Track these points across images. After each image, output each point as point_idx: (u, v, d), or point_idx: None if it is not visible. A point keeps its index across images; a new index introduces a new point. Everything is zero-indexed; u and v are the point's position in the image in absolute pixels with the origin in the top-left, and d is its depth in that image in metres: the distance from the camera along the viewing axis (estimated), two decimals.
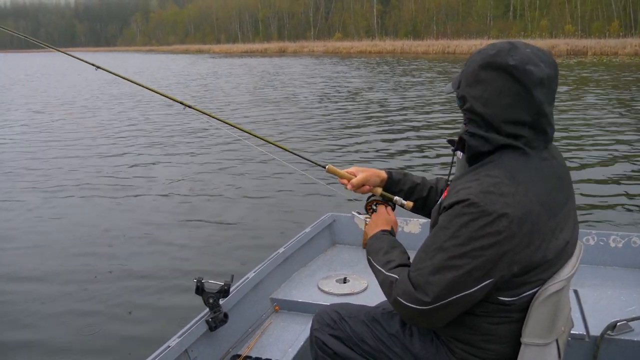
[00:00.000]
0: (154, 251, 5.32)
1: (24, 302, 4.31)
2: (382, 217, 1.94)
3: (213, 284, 2.46)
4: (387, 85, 22.83)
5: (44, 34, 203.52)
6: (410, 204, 2.01)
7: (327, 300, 2.88)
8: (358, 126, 12.45)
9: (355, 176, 2.02)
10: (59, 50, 3.19)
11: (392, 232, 1.89)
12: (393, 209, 2.01)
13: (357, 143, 10.44)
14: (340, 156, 8.84)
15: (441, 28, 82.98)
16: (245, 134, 2.47)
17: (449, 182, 1.73)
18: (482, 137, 1.51)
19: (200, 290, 2.42)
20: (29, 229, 6.01)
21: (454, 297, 1.44)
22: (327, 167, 2.12)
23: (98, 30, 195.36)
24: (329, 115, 14.21)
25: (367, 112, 14.87)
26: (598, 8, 68.25)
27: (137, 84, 2.76)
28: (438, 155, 9.11)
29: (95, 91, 22.76)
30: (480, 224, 1.39)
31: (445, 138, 9.55)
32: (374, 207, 2.01)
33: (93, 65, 2.75)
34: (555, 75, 1.50)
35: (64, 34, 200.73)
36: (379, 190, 2.02)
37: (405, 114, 14.27)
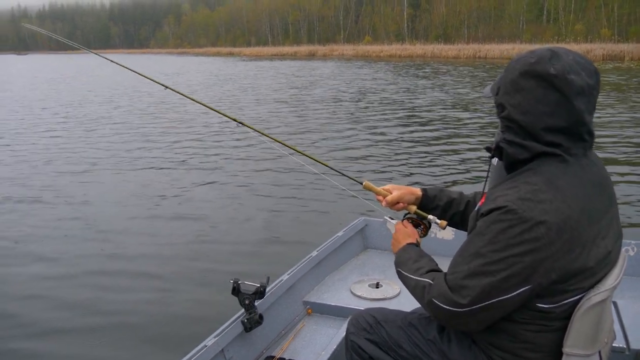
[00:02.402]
0: (191, 251, 5.41)
1: (59, 295, 4.44)
2: (403, 232, 1.95)
3: (249, 285, 2.49)
4: (419, 89, 22.69)
5: (80, 36, 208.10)
6: (444, 222, 2.01)
7: (359, 305, 2.89)
8: (392, 133, 12.41)
9: (391, 193, 2.05)
10: (125, 67, 3.22)
11: (416, 244, 1.90)
12: (428, 227, 2.03)
13: (391, 150, 10.42)
14: (375, 167, 8.74)
15: (472, 32, 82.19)
16: (290, 149, 2.56)
17: (485, 190, 1.72)
18: (520, 145, 1.50)
19: (236, 291, 2.46)
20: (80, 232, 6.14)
21: (490, 301, 1.45)
22: (363, 183, 2.16)
23: (132, 32, 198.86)
24: (361, 121, 14.15)
25: (400, 116, 14.84)
26: (636, 11, 66.72)
27: (205, 105, 2.82)
28: (474, 162, 9.04)
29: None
30: (518, 231, 1.39)
31: (480, 145, 9.46)
32: (409, 225, 2.02)
33: (163, 85, 2.80)
34: (596, 83, 1.48)
35: (98, 36, 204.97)
36: (414, 208, 2.04)
37: (439, 119, 14.20)
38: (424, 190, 2.08)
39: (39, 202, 7.23)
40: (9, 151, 10.88)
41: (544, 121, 1.46)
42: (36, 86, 29.29)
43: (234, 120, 2.64)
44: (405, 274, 1.73)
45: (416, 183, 7.78)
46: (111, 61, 3.38)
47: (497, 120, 1.61)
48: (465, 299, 1.47)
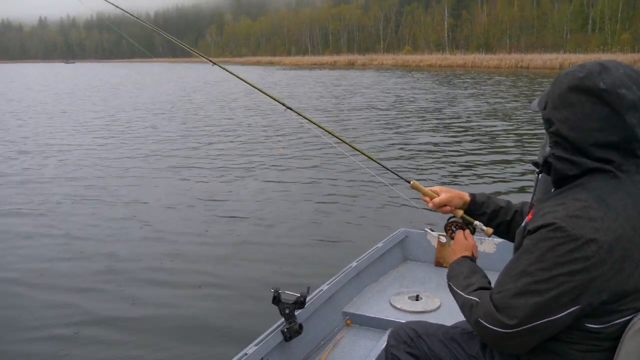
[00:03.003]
0: (233, 257, 5.47)
1: (112, 303, 4.54)
2: (461, 243, 1.92)
3: (289, 294, 2.51)
4: (462, 99, 22.46)
5: (126, 45, 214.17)
6: (490, 230, 1.98)
7: (399, 317, 2.88)
8: (434, 140, 12.38)
9: (439, 195, 2.03)
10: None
11: (472, 258, 1.87)
12: (472, 233, 2.00)
13: (433, 157, 10.36)
14: (423, 170, 8.75)
15: (514, 41, 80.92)
16: (335, 138, 2.54)
17: (533, 204, 1.70)
18: (569, 160, 1.47)
19: (276, 300, 2.48)
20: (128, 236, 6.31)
21: (539, 322, 1.41)
22: (411, 182, 2.13)
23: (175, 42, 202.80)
24: (409, 129, 14.10)
25: (441, 124, 14.74)
26: None
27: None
28: (516, 173, 8.90)
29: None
30: (567, 249, 1.36)
31: (522, 155, 9.28)
32: (453, 229, 2.00)
33: (284, 105, 2.72)
34: None
35: (143, 45, 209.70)
36: (460, 212, 2.01)
37: (480, 128, 14.04)
38: (472, 195, 2.05)
39: (98, 200, 7.60)
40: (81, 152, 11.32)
41: (593, 137, 1.43)
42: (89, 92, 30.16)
43: (283, 104, 2.66)
44: (455, 289, 1.71)
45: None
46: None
47: (543, 133, 1.59)
48: (512, 320, 1.43)
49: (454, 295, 1.72)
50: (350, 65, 75.52)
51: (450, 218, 2.03)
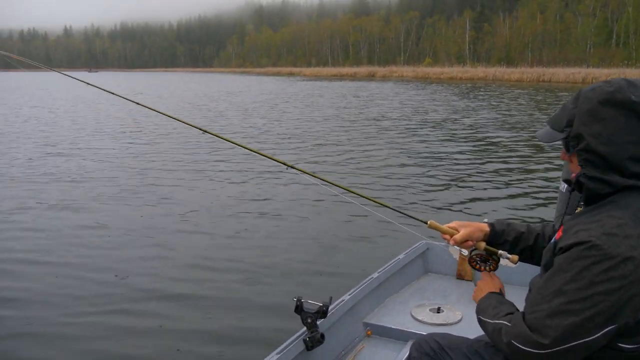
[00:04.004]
0: (256, 269, 5.49)
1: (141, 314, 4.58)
2: (489, 283, 1.89)
3: (312, 304, 2.52)
4: (481, 113, 22.36)
5: (148, 55, 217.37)
6: (515, 257, 1.93)
7: (420, 329, 2.87)
8: (453, 157, 12.29)
9: (458, 231, 1.97)
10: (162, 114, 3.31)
11: (500, 294, 1.84)
12: (497, 262, 1.96)
13: (451, 175, 10.28)
14: (441, 203, 8.24)
15: (537, 55, 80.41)
16: (350, 193, 2.50)
17: (563, 221, 1.68)
18: (602, 180, 1.46)
19: (299, 309, 2.49)
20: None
21: (575, 342, 1.38)
22: (428, 222, 2.06)
23: (197, 52, 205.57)
24: (422, 152, 13.95)
25: (461, 138, 14.70)
26: None
27: (252, 150, 2.87)
28: (538, 189, 8.81)
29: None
30: (603, 268, 1.34)
31: (543, 171, 9.10)
32: (478, 261, 1.97)
33: (200, 129, 2.91)
34: None
35: (165, 55, 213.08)
36: (483, 244, 1.95)
37: (501, 143, 13.98)
38: (491, 225, 1.99)
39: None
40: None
41: (628, 150, 1.42)
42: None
43: (284, 163, 2.65)
44: (484, 319, 1.68)
45: (477, 213, 7.63)
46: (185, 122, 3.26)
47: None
48: (547, 339, 1.40)
49: (484, 327, 1.68)
50: (371, 77, 75.62)
51: (472, 251, 1.98)
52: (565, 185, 1.61)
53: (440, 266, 3.76)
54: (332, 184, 2.57)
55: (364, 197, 2.43)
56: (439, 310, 3.14)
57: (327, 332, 2.63)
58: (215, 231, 6.72)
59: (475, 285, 1.93)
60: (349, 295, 2.97)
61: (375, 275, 3.28)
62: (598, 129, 1.45)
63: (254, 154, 2.80)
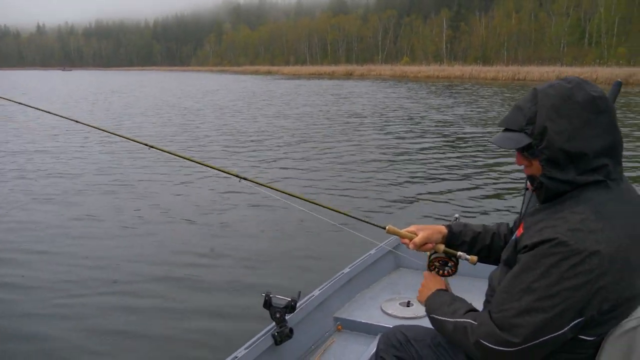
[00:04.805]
0: (223, 264, 5.48)
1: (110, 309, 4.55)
2: (432, 280, 1.91)
3: (280, 299, 2.52)
4: (455, 110, 22.56)
5: (124, 53, 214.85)
6: (474, 258, 1.96)
7: (390, 323, 2.88)
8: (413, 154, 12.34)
9: (416, 235, 1.98)
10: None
11: (446, 290, 1.86)
12: (456, 264, 1.99)
13: (411, 174, 10.34)
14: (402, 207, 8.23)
15: (512, 54, 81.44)
16: (303, 201, 2.46)
17: (523, 218, 1.69)
18: (562, 181, 1.48)
19: (267, 304, 2.49)
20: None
21: (544, 338, 1.40)
22: (387, 227, 2.06)
23: (174, 50, 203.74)
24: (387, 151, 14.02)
25: (428, 137, 14.82)
26: None
27: (200, 163, 2.83)
28: (505, 190, 8.89)
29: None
30: (571, 263, 1.36)
31: (503, 170, 9.14)
32: (437, 265, 1.99)
33: (146, 145, 2.84)
34: None
35: (141, 53, 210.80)
36: (442, 247, 1.98)
37: (465, 140, 14.13)
38: (448, 227, 2.02)
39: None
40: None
41: (590, 144, 1.45)
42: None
43: (236, 176, 2.57)
44: (441, 318, 1.67)
45: (444, 211, 7.69)
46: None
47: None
48: (518, 338, 1.41)
49: (440, 326, 1.68)
50: (349, 76, 75.77)
51: (432, 254, 2.00)
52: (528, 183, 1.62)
53: (411, 261, 3.78)
54: (284, 192, 2.51)
55: (320, 205, 2.40)
56: (408, 304, 3.17)
57: (297, 327, 2.63)
58: (186, 232, 6.70)
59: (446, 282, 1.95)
60: (319, 290, 2.98)
61: (346, 270, 3.29)
62: (563, 125, 1.46)
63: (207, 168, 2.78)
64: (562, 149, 1.47)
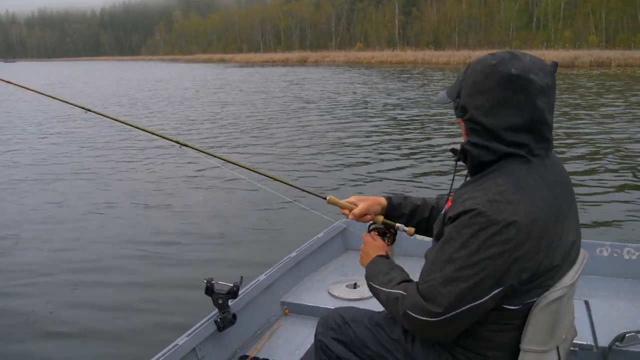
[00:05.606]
0: (166, 253, 5.42)
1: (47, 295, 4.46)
2: (372, 245, 1.92)
3: (223, 285, 2.49)
4: (403, 94, 22.79)
5: (70, 43, 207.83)
6: (412, 230, 1.99)
7: (336, 305, 2.88)
8: (355, 138, 12.46)
9: (356, 206, 2.01)
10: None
11: (386, 256, 1.87)
12: (395, 235, 2.01)
13: (355, 153, 10.44)
14: (344, 179, 8.39)
15: (463, 38, 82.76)
16: (242, 168, 2.41)
17: (452, 192, 1.72)
18: (485, 146, 1.50)
19: (210, 291, 2.45)
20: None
21: (466, 307, 1.42)
22: (327, 198, 2.09)
23: (122, 40, 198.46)
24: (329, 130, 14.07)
25: (370, 123, 14.94)
26: (623, 19, 67.50)
27: (141, 129, 2.76)
28: (442, 164, 9.14)
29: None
30: (489, 233, 1.38)
31: (445, 147, 9.48)
32: (377, 235, 2.00)
33: (83, 108, 2.72)
34: (553, 84, 1.50)
35: (88, 43, 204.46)
36: (381, 218, 2.00)
37: (407, 121, 14.31)
38: (388, 199, 2.04)
39: None
40: None
41: (507, 121, 1.46)
42: None
43: (177, 142, 2.50)
44: (376, 286, 1.70)
45: (380, 184, 7.81)
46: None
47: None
48: (440, 307, 1.43)
49: (376, 294, 1.71)
50: (303, 62, 75.41)
51: (371, 225, 2.02)
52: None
53: (359, 243, 3.77)
54: (228, 161, 2.49)
55: (260, 173, 2.38)
56: (355, 286, 3.18)
57: (242, 312, 2.61)
58: (121, 215, 6.64)
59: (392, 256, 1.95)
60: (265, 275, 2.96)
61: (293, 254, 3.27)
62: (481, 101, 1.49)
63: (150, 134, 2.70)
64: (481, 123, 1.50)
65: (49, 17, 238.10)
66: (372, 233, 2.00)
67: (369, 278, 1.78)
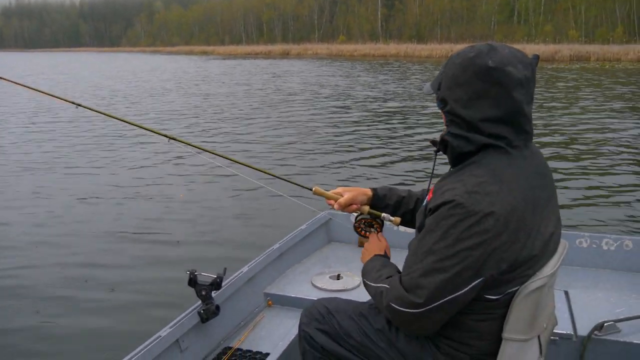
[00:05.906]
0: (150, 245, 5.41)
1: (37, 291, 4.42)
2: (375, 245, 1.96)
3: (206, 276, 2.48)
4: (383, 87, 22.84)
5: (49, 34, 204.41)
6: (397, 219, 2.03)
7: (319, 296, 2.89)
8: (340, 131, 12.47)
9: (342, 196, 2.04)
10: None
11: (385, 256, 1.90)
12: (381, 226, 2.04)
13: (341, 147, 10.47)
14: (330, 171, 8.49)
15: (445, 32, 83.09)
16: (229, 161, 2.43)
17: (432, 184, 1.73)
18: (464, 137, 1.52)
19: (193, 282, 2.45)
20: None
21: (446, 298, 1.44)
22: (313, 188, 2.14)
23: (102, 31, 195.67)
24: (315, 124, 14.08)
25: (352, 113, 14.96)
26: (602, 14, 68.36)
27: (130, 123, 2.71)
28: (425, 157, 9.23)
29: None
30: (467, 224, 1.40)
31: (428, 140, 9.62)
32: (362, 226, 2.05)
33: (73, 103, 2.64)
34: (532, 75, 1.51)
35: (68, 34, 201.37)
36: (367, 208, 2.04)
37: (390, 115, 14.38)
38: (374, 190, 2.08)
39: None
40: None
41: (484, 113, 1.48)
42: None
43: (165, 136, 2.46)
44: (368, 282, 1.73)
45: (364, 178, 7.85)
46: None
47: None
48: (421, 298, 1.45)
49: (367, 290, 1.74)
50: (285, 55, 75.12)
51: (357, 216, 2.05)
52: None
53: (342, 235, 3.81)
54: (213, 152, 2.49)
55: (249, 166, 2.40)
56: (338, 277, 3.19)
57: (224, 304, 2.60)
58: (102, 208, 6.62)
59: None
60: (248, 266, 2.95)
61: (277, 246, 3.27)
62: (459, 94, 1.51)
63: (138, 128, 2.67)
64: (460, 115, 1.51)
65: (27, 7, 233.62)
66: (379, 234, 2.02)
67: (363, 275, 1.81)
